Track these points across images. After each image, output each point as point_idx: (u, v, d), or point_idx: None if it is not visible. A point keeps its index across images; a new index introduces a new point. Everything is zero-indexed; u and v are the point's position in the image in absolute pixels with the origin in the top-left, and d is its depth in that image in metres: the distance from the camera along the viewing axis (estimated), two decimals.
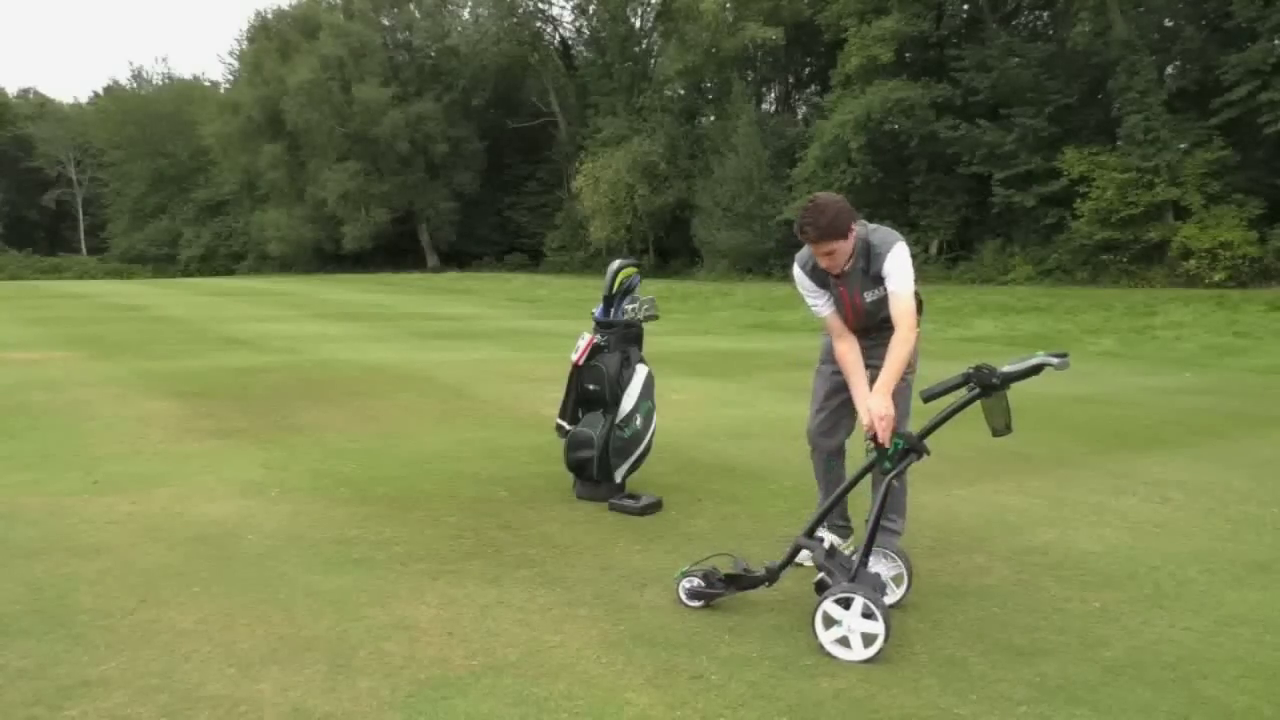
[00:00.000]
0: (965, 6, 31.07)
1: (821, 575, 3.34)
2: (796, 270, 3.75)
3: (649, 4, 40.75)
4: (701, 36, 34.11)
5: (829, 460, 3.93)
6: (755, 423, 6.93)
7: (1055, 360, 3.06)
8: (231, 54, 60.40)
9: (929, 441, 3.21)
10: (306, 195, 45.70)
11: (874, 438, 3.23)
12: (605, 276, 4.87)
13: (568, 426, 4.88)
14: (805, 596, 3.40)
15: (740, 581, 3.40)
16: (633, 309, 4.82)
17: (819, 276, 3.64)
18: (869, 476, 3.45)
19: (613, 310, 4.83)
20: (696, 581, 3.42)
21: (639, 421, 4.76)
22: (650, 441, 4.91)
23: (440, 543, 4.15)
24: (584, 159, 37.72)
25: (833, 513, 3.72)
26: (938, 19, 29.87)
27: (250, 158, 47.29)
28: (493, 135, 46.40)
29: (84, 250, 60.72)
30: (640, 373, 4.82)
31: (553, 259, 42.26)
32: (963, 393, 3.20)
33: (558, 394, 5.10)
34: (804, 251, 3.65)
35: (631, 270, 4.87)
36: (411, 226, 46.99)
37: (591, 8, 42.53)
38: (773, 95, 40.13)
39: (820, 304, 3.68)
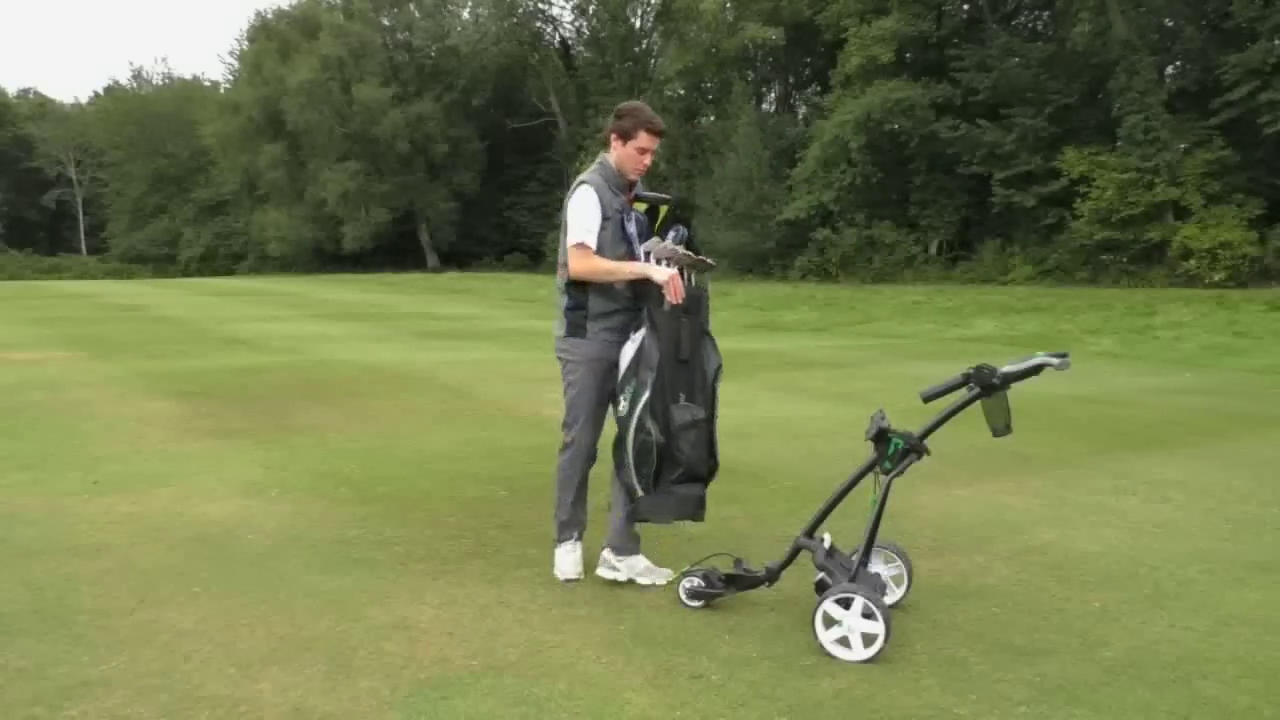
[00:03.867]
0: (965, 6, 31.05)
1: (821, 575, 3.34)
2: (591, 192, 3.51)
3: (649, 4, 40.76)
4: (701, 36, 34.09)
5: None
6: (755, 423, 6.93)
7: (1055, 360, 3.06)
8: (231, 54, 60.32)
9: (929, 441, 3.21)
10: (306, 195, 45.66)
11: (875, 436, 3.22)
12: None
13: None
14: (805, 596, 3.40)
15: (740, 581, 3.40)
16: (655, 252, 3.60)
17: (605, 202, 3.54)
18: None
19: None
20: (696, 581, 3.42)
21: (623, 404, 3.53)
22: (643, 436, 3.45)
23: (440, 543, 4.16)
24: (584, 159, 37.66)
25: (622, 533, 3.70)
26: (938, 19, 29.85)
27: (250, 158, 47.26)
28: (493, 135, 46.38)
29: (84, 250, 60.71)
30: (631, 345, 3.54)
31: (553, 259, 41.91)
32: (963, 393, 3.20)
33: (558, 394, 5.08)
34: (600, 175, 3.59)
35: (639, 206, 3.76)
36: (411, 226, 46.97)
37: (591, 8, 42.53)
38: (773, 95, 40.09)
39: (594, 232, 3.50)
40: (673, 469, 3.44)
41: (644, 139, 3.57)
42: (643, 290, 3.52)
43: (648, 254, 3.54)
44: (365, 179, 44.06)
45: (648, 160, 3.63)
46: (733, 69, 35.69)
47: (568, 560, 3.74)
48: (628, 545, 3.71)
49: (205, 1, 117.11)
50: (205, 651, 3.02)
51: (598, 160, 3.69)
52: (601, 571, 3.72)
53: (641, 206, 3.71)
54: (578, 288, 3.58)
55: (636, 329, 3.52)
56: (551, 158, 44.86)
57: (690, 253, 3.47)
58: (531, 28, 44.05)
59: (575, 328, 3.61)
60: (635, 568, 3.69)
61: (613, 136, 3.63)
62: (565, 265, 3.59)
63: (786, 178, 31.46)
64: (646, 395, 3.41)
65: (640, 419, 3.42)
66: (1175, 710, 2.72)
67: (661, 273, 3.39)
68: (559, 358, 3.69)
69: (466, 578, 3.72)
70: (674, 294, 3.35)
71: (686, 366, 3.45)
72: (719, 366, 3.56)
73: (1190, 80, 25.23)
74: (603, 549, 3.74)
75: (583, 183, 3.57)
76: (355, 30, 45.37)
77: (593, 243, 3.48)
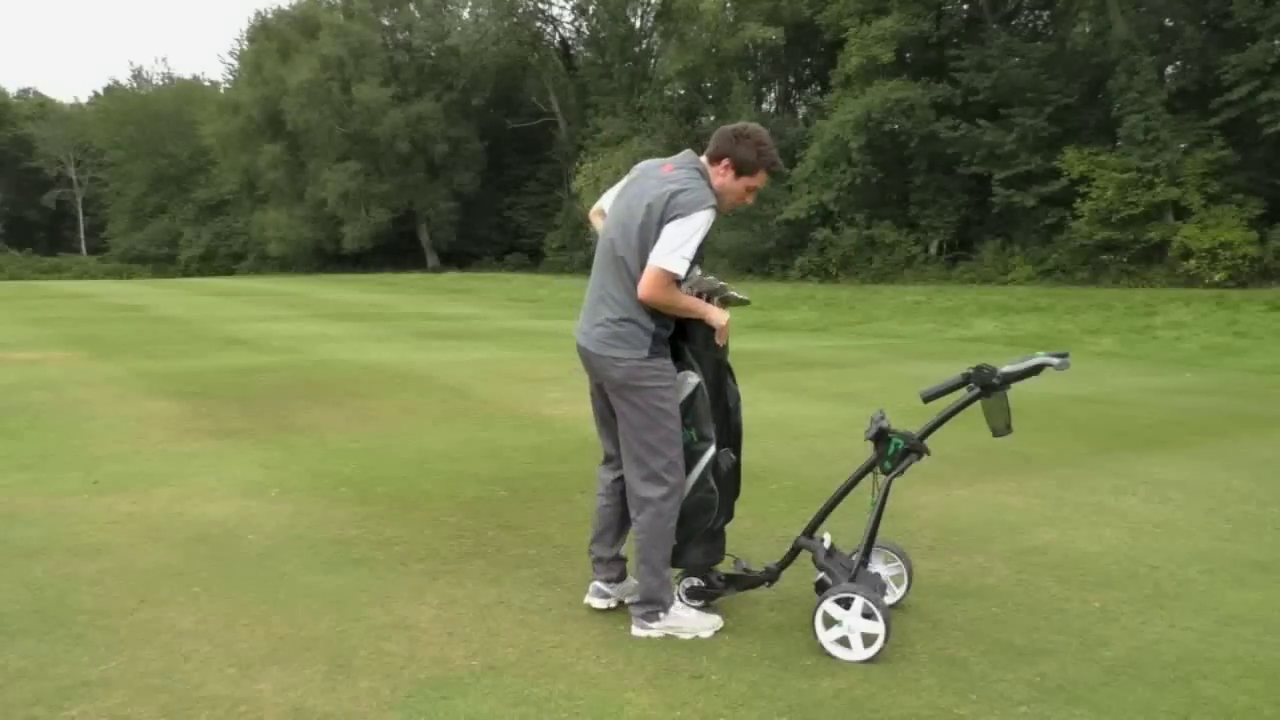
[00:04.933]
0: (965, 6, 31.05)
1: (821, 575, 3.34)
2: (711, 219, 3.05)
3: (649, 4, 40.75)
4: (701, 36, 34.09)
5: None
6: (755, 423, 6.89)
7: (1055, 360, 3.06)
8: (231, 54, 60.46)
9: (929, 442, 3.21)
10: (306, 195, 45.67)
11: (874, 436, 3.22)
12: None
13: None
14: (805, 596, 3.40)
15: (740, 581, 3.40)
16: (698, 286, 3.24)
17: None
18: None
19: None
20: (696, 581, 3.42)
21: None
22: (703, 493, 3.25)
23: (440, 543, 4.15)
24: (584, 159, 37.70)
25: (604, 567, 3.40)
26: (938, 19, 29.85)
27: (250, 158, 47.28)
28: (493, 135, 46.39)
29: (84, 250, 60.72)
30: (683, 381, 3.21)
31: (553, 259, 42.24)
32: (963, 393, 3.20)
33: (559, 394, 5.09)
34: (713, 195, 3.09)
35: None
36: (411, 226, 46.99)
37: (591, 8, 42.52)
38: (773, 95, 40.08)
39: (690, 264, 3.05)
40: (717, 519, 3.30)
41: (760, 179, 3.15)
42: (687, 328, 3.19)
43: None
44: (365, 179, 44.07)
45: (750, 200, 3.23)
46: (733, 69, 35.70)
47: (701, 616, 3.27)
48: (620, 572, 3.43)
49: (205, 1, 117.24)
50: (205, 651, 3.02)
51: (694, 167, 3.12)
52: (594, 601, 3.41)
53: None
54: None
55: (683, 369, 3.19)
56: (551, 158, 44.87)
57: (725, 285, 3.23)
58: (531, 28, 44.04)
59: (663, 346, 3.14)
60: (626, 590, 3.40)
61: (725, 163, 3.11)
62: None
63: (787, 178, 31.47)
64: (711, 452, 3.19)
65: (702, 475, 3.20)
66: (1175, 710, 2.72)
67: (720, 315, 3.12)
68: (638, 385, 3.08)
69: (466, 578, 3.72)
70: (723, 338, 3.16)
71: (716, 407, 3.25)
72: (738, 397, 3.37)
73: (1190, 80, 25.23)
74: (594, 581, 3.44)
75: (710, 206, 3.03)
76: (355, 30, 45.36)
77: (683, 274, 3.03)
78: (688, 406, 3.18)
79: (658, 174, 3.13)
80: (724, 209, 3.18)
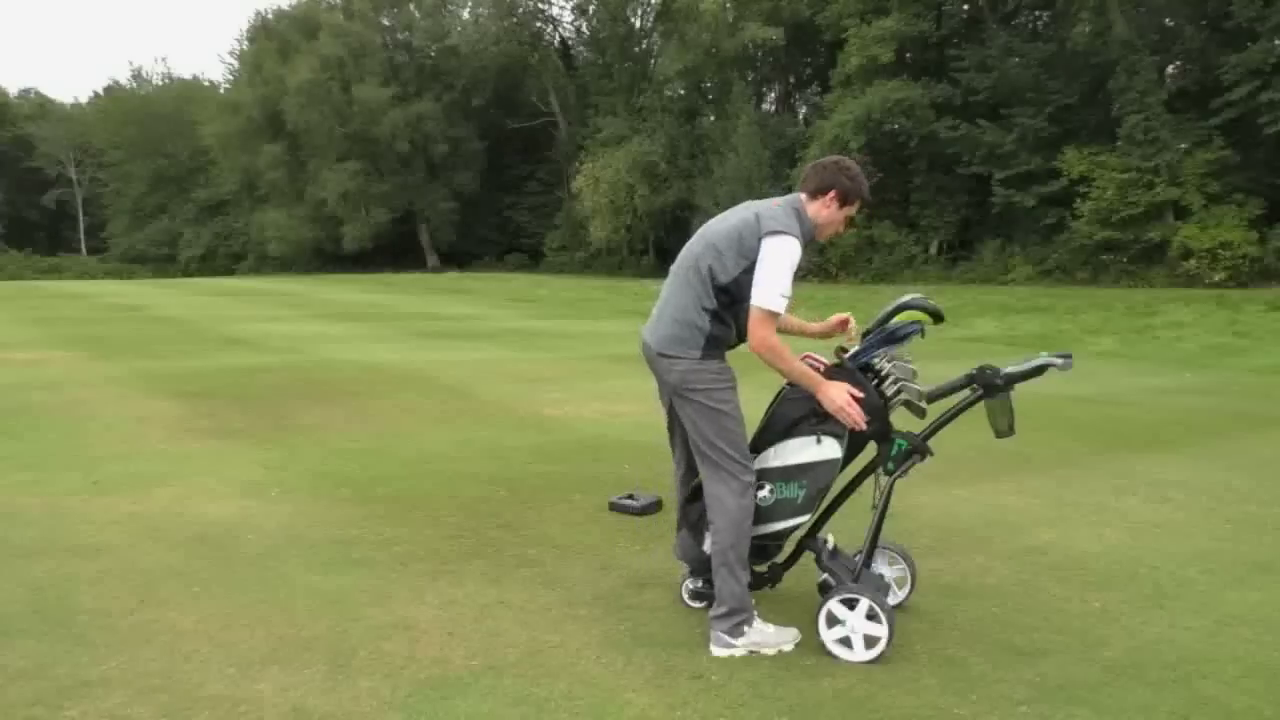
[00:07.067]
0: (965, 6, 31.08)
1: (825, 576, 3.34)
2: (799, 249, 3.06)
3: (649, 4, 40.77)
4: (701, 36, 34.11)
5: None
6: (755, 422, 6.93)
7: (1059, 361, 3.06)
8: (231, 54, 60.53)
9: (932, 442, 3.20)
10: (306, 195, 45.69)
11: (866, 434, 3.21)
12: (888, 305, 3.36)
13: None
14: (805, 596, 3.40)
15: None
16: (889, 366, 3.22)
17: None
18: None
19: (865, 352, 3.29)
20: (700, 583, 3.42)
21: (766, 493, 3.17)
22: (769, 541, 3.22)
23: (440, 543, 4.15)
24: (584, 159, 37.71)
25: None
26: (938, 19, 29.89)
27: (250, 158, 47.30)
28: (493, 135, 46.41)
29: (84, 250, 60.70)
30: (816, 446, 3.13)
31: (553, 259, 42.28)
32: (966, 394, 3.20)
33: (558, 394, 5.08)
34: (800, 227, 3.11)
35: (919, 316, 3.29)
36: (411, 226, 47.00)
37: (591, 8, 42.55)
38: (773, 95, 40.10)
39: (789, 299, 3.07)
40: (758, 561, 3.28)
41: (855, 208, 3.23)
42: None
43: (869, 361, 3.21)
44: (365, 179, 44.10)
45: (843, 230, 3.31)
46: (733, 69, 35.70)
47: (780, 631, 3.15)
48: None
49: (205, 1, 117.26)
50: (205, 651, 3.02)
51: (789, 204, 3.15)
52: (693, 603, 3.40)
53: (918, 317, 3.27)
54: (727, 312, 3.09)
55: (830, 433, 3.11)
56: (551, 158, 44.89)
57: (919, 391, 3.14)
58: (531, 28, 44.07)
59: (717, 349, 3.14)
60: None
61: (832, 193, 3.14)
62: (716, 290, 3.07)
63: (786, 178, 31.47)
64: (802, 520, 3.16)
65: (779, 532, 3.18)
66: (1175, 710, 2.72)
67: (835, 395, 3.03)
68: (694, 387, 3.09)
69: (466, 578, 3.72)
70: (847, 420, 3.06)
71: None
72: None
73: (1190, 80, 25.26)
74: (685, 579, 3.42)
75: (786, 233, 3.02)
76: (355, 30, 45.39)
77: (784, 310, 3.04)
78: (819, 473, 3.12)
79: (761, 204, 3.19)
80: (821, 238, 3.28)
